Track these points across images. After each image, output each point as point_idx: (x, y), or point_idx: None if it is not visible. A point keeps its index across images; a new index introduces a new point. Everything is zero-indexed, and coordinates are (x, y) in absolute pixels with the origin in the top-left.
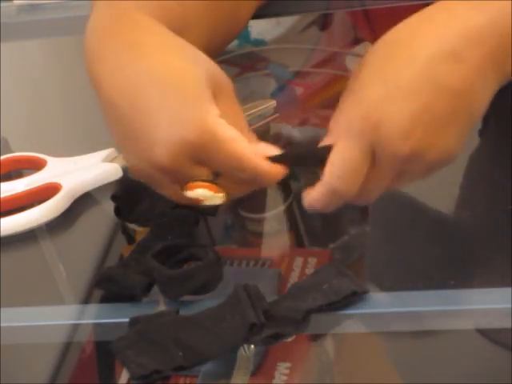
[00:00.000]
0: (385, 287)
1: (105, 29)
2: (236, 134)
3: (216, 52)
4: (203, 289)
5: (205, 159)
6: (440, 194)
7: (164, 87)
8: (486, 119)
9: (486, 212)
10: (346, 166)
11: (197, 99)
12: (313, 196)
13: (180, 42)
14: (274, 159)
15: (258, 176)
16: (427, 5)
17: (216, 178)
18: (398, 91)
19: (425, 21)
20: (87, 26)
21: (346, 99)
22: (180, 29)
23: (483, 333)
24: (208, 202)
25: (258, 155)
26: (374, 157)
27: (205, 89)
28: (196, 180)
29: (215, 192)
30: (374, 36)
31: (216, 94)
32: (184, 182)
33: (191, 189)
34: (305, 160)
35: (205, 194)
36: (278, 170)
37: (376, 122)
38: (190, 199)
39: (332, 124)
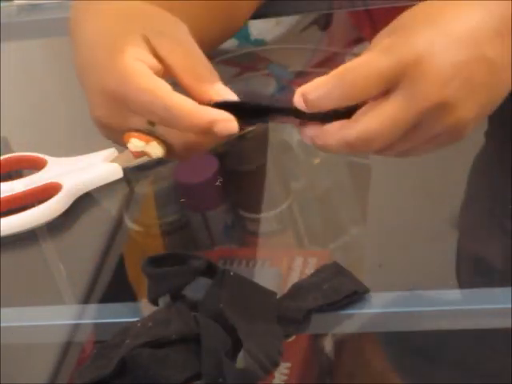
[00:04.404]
0: None
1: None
2: (150, 79)
3: (210, 49)
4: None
5: (132, 107)
6: (443, 193)
7: (94, 44)
8: (492, 120)
9: (488, 212)
10: (386, 122)
11: (117, 48)
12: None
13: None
14: (218, 105)
15: (187, 122)
16: None
17: (151, 129)
18: (447, 39)
19: None
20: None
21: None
22: None
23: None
24: (149, 151)
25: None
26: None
27: (130, 37)
28: (130, 130)
29: (146, 142)
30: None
31: (154, 38)
32: (123, 134)
33: (127, 140)
34: (265, 112)
35: (138, 144)
36: (221, 117)
37: (422, 66)
38: (132, 153)
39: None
